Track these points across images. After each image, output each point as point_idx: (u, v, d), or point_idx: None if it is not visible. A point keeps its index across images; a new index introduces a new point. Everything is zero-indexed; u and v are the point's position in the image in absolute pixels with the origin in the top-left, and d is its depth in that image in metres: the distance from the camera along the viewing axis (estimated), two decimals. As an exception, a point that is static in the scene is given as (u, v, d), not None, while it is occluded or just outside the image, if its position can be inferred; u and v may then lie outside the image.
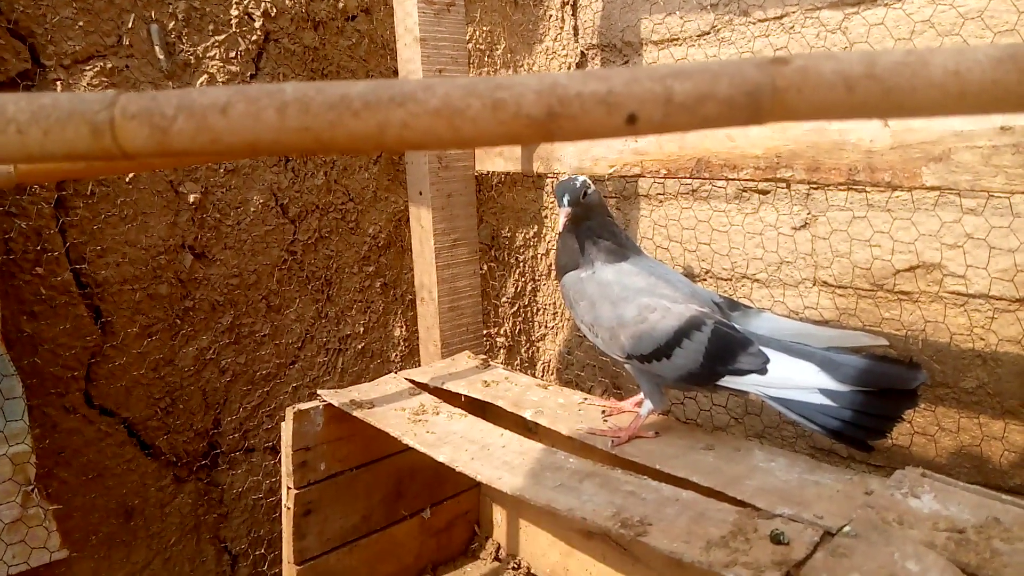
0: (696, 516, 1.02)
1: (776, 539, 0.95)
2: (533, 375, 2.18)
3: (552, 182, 2.09)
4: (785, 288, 1.74)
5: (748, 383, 1.17)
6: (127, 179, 1.39)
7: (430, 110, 0.45)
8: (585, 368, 2.17)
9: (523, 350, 2.15)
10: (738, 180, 1.21)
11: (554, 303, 2.19)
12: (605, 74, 0.45)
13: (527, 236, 2.09)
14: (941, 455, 1.56)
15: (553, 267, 2.15)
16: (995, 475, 1.50)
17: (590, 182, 1.24)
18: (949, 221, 1.47)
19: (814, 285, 1.71)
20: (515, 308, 2.11)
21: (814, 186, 1.48)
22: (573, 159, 1.45)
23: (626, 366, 1.28)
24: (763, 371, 1.15)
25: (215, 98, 0.45)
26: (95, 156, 0.47)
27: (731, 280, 1.84)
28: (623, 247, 1.28)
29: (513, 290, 2.09)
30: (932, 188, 1.03)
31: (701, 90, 0.45)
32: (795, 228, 1.72)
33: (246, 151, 0.47)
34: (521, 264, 2.09)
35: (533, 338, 2.18)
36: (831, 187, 1.39)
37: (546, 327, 2.20)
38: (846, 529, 0.90)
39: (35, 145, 0.46)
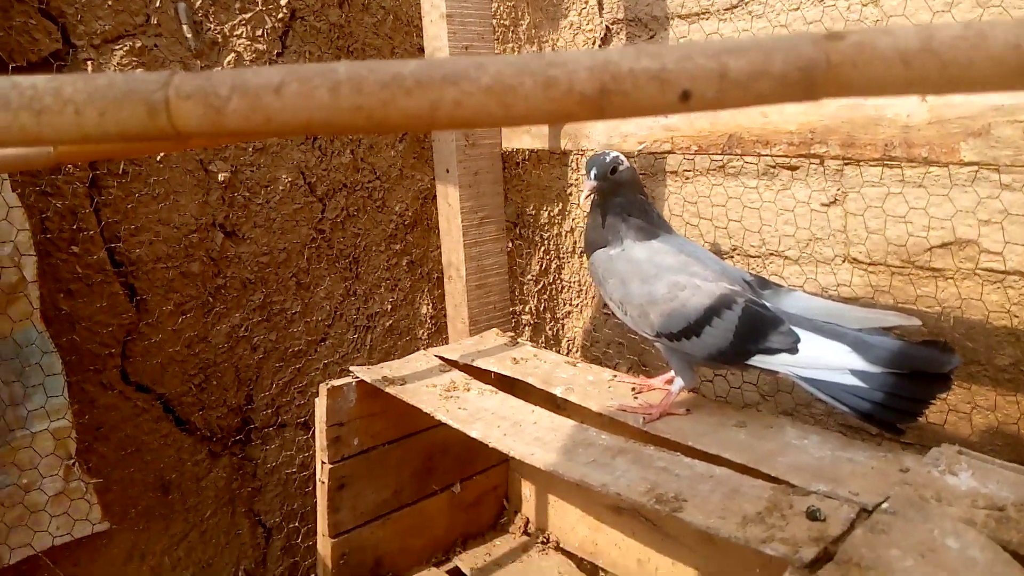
0: (730, 492, 1.03)
1: (812, 515, 0.95)
2: (558, 353, 2.18)
3: (577, 159, 2.09)
4: (817, 265, 1.73)
5: (778, 363, 1.16)
6: (158, 159, 1.40)
7: (482, 88, 0.45)
8: (611, 345, 2.17)
9: (548, 328, 2.16)
10: (770, 156, 1.20)
11: (579, 281, 2.19)
12: (658, 50, 0.45)
13: (552, 214, 2.09)
14: (975, 433, 1.55)
15: (581, 244, 2.15)
16: (1029, 452, 1.49)
17: (623, 158, 1.24)
18: (985, 197, 1.45)
19: (844, 262, 1.69)
20: (540, 286, 2.11)
21: (847, 162, 1.46)
22: (602, 136, 1.44)
23: (655, 344, 1.28)
24: (794, 351, 1.14)
25: (268, 78, 0.45)
26: (150, 136, 0.47)
27: (760, 257, 1.83)
28: (653, 225, 1.28)
29: (538, 268, 2.09)
30: (970, 164, 1.02)
31: (755, 66, 0.44)
32: (825, 204, 1.70)
33: (299, 130, 0.47)
34: (546, 242, 2.09)
35: (558, 316, 2.18)
36: (865, 163, 1.37)
37: (571, 304, 2.20)
38: (884, 506, 0.90)
39: (91, 125, 0.47)
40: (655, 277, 1.22)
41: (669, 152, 1.32)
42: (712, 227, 1.89)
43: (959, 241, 1.52)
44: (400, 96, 0.45)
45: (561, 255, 2.13)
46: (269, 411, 1.65)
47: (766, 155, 1.18)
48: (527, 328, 2.10)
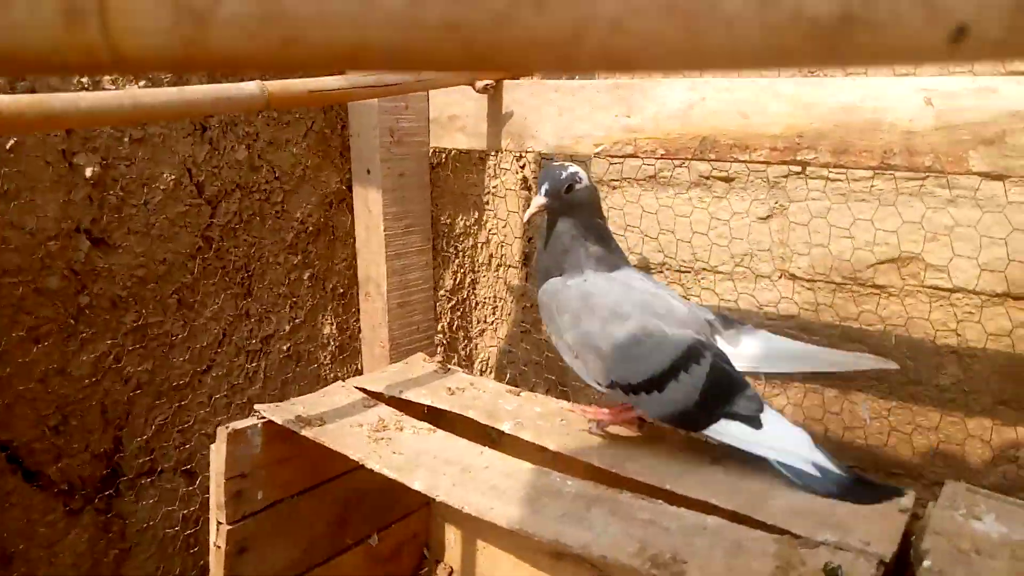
0: (732, 548, 0.89)
1: (833, 574, 0.83)
2: (470, 373, 2.00)
3: (496, 165, 1.92)
4: (754, 280, 1.64)
5: (739, 435, 1.02)
6: (8, 146, 1.11)
7: (661, 3, 0.27)
8: (528, 365, 2.01)
9: (461, 348, 1.97)
10: (750, 162, 1.08)
11: (493, 296, 2.02)
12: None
13: (467, 224, 1.91)
14: (916, 455, 1.50)
15: (498, 257, 1.98)
16: (970, 475, 1.45)
17: (583, 175, 1.07)
18: (930, 211, 1.41)
19: (782, 277, 1.62)
20: (453, 302, 1.93)
21: (839, 170, 1.38)
22: (551, 136, 1.28)
23: (605, 396, 1.12)
24: (756, 423, 1.02)
25: (296, -35, 0.26)
26: (64, 63, 0.26)
27: (692, 272, 1.73)
28: (613, 255, 1.12)
29: (451, 283, 1.90)
30: (979, 174, 0.94)
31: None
32: (763, 218, 1.62)
33: (343, 60, 0.27)
34: (460, 254, 1.91)
35: (472, 335, 2.00)
36: (861, 170, 1.28)
37: (485, 322, 2.02)
38: (926, 564, 0.78)
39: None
40: (618, 317, 1.05)
41: (631, 156, 1.18)
42: (641, 239, 1.78)
43: (903, 257, 1.47)
44: (526, 11, 0.27)
45: (476, 268, 1.96)
46: (143, 458, 1.37)
47: (744, 160, 1.06)
48: (440, 348, 1.90)
